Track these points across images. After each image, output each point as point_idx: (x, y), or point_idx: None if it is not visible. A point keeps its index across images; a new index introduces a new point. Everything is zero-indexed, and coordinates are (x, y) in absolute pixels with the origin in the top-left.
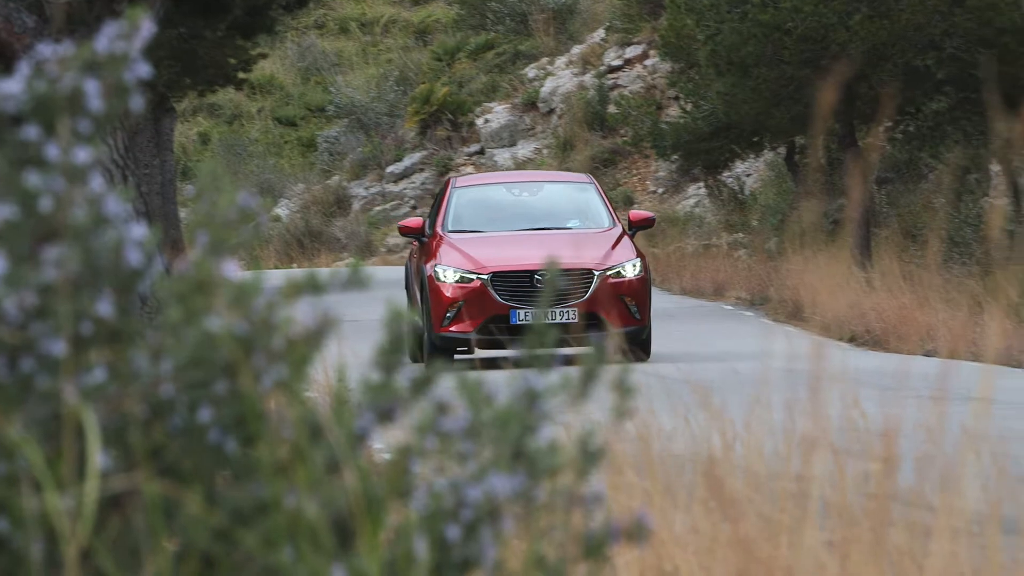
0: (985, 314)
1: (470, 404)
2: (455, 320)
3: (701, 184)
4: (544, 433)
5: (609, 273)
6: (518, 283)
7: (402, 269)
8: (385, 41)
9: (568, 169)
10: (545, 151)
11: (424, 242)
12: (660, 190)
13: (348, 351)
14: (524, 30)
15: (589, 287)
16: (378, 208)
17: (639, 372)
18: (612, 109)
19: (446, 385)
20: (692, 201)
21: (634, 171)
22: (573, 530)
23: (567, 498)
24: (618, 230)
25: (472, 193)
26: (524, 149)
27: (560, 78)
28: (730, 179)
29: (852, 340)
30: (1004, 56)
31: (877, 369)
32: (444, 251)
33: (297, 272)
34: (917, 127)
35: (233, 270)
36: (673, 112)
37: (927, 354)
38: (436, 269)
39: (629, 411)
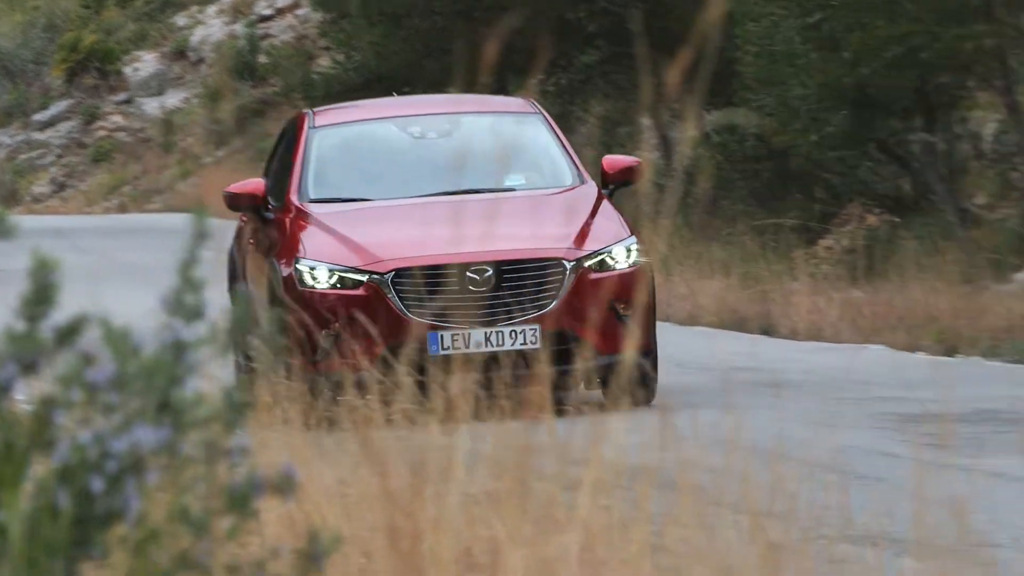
0: None
1: (116, 355)
2: (334, 352)
3: None
4: (190, 385)
5: (589, 264)
6: (438, 287)
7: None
8: None
9: (218, 121)
10: (195, 100)
11: (269, 220)
12: None
13: None
14: None
15: (558, 289)
16: (23, 157)
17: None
18: (263, 59)
19: (91, 335)
20: None
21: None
22: (218, 483)
23: (212, 450)
24: (591, 189)
25: (343, 135)
26: (173, 98)
27: (210, 27)
28: None
29: None
30: (656, 10)
31: None
32: (308, 235)
33: None
34: (569, 80)
35: None
36: (324, 62)
37: None
38: (299, 267)
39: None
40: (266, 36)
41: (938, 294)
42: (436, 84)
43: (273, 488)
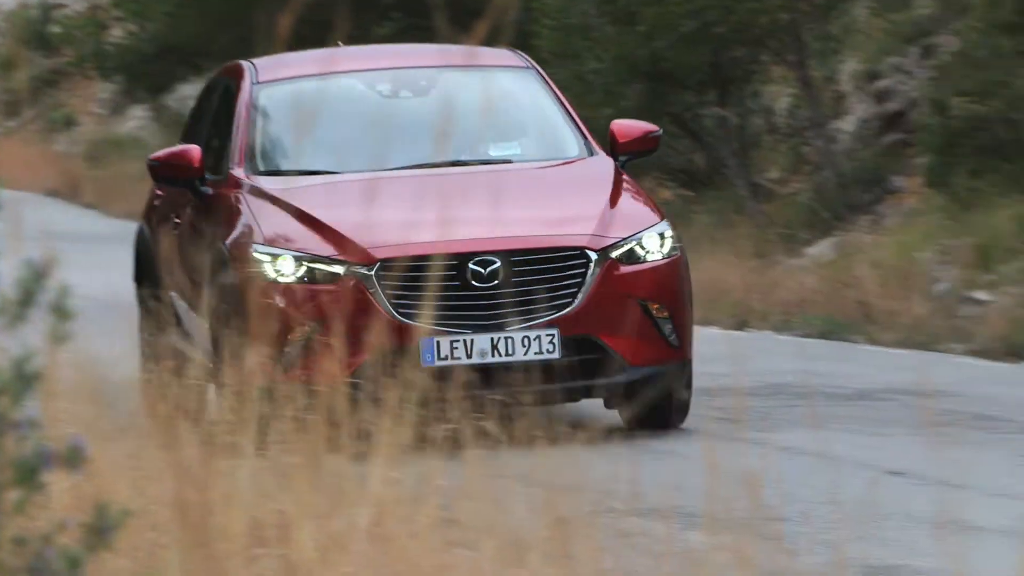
0: None
1: None
2: (304, 360)
3: (145, 106)
4: None
5: (616, 255)
6: (436, 283)
7: None
8: None
9: (9, 91)
10: None
11: (207, 196)
12: (103, 112)
13: None
14: None
15: (580, 286)
16: None
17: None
18: (55, 29)
19: None
20: (135, 123)
21: (77, 92)
22: (6, 455)
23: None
24: (605, 162)
25: (295, 93)
26: None
27: None
28: (174, 102)
29: None
30: None
31: None
32: (266, 216)
33: None
34: None
35: None
36: (118, 33)
37: None
38: (256, 255)
39: (66, 335)
40: (58, 6)
41: (731, 268)
42: (231, 56)
43: (62, 461)
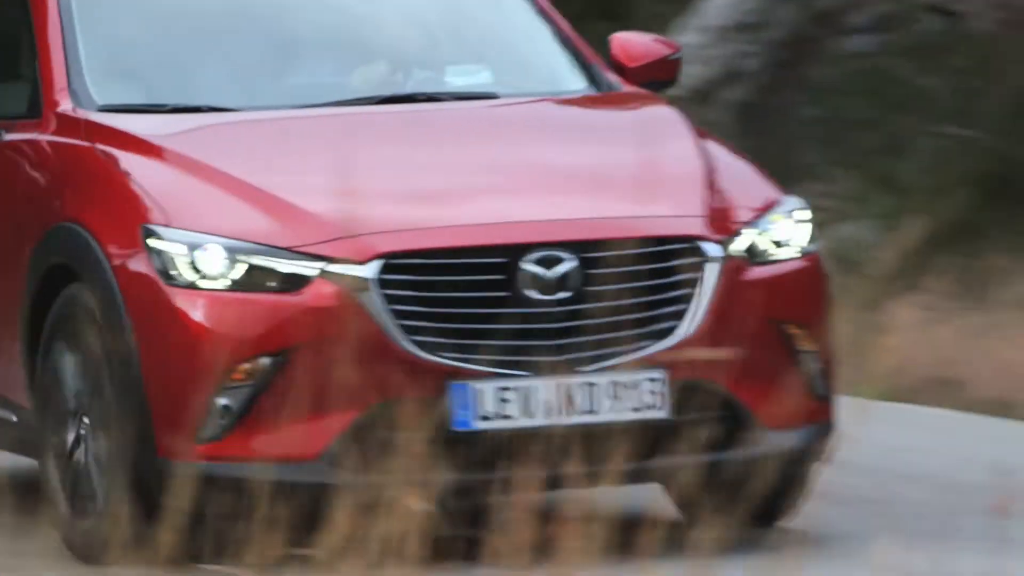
0: None
1: None
2: (246, 421)
3: None
4: None
5: (739, 255)
6: (468, 293)
7: None
8: None
9: None
10: None
11: (7, 144)
12: None
13: None
14: None
15: (691, 300)
16: None
17: None
18: None
19: None
20: None
21: None
22: None
23: None
24: (655, 102)
25: None
26: None
27: None
28: None
29: None
30: None
31: None
32: (155, 179)
33: None
34: None
35: None
36: None
37: None
38: (155, 245)
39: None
40: None
41: None
42: None
43: None
